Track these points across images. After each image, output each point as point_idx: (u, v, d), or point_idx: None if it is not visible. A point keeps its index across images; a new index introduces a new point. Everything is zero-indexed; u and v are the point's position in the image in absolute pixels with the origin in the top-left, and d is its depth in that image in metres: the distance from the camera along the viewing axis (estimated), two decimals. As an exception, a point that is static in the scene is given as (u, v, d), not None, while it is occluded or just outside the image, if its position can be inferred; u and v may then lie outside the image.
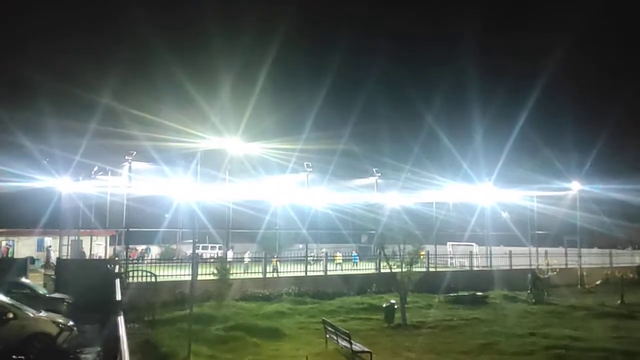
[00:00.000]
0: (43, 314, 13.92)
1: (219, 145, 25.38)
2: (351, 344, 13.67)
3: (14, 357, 11.12)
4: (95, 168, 31.71)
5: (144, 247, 44.20)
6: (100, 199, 37.26)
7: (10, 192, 38.31)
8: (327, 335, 15.80)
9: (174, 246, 46.45)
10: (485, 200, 40.71)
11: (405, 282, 20.08)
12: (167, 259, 35.54)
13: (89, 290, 20.07)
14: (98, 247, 37.05)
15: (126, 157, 27.01)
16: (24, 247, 39.71)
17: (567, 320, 20.96)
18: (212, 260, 36.73)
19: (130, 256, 37.60)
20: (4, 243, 39.95)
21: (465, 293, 25.88)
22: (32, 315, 13.36)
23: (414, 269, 20.43)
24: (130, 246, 43.24)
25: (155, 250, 44.02)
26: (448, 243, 44.20)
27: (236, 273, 26.25)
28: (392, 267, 20.42)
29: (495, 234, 41.21)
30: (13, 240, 40.31)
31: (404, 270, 20.16)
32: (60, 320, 13.66)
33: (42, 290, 18.82)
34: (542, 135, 56.00)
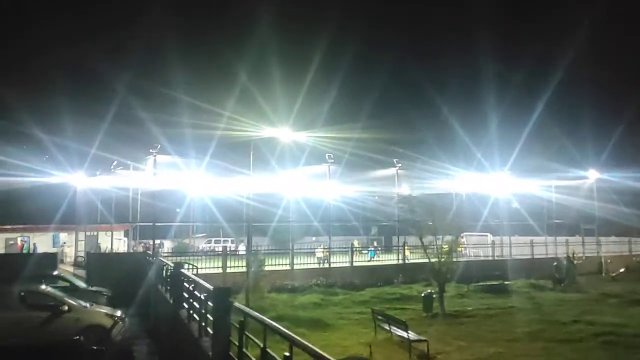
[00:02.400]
0: (94, 306, 13.76)
1: (267, 134, 24.88)
2: (408, 332, 13.54)
3: (94, 347, 10.93)
4: (115, 162, 31.44)
5: (157, 241, 44.01)
6: (116, 194, 37.07)
7: (25, 188, 38.08)
8: (377, 325, 15.67)
9: (187, 240, 46.31)
10: (500, 189, 40.59)
11: (443, 271, 20.00)
12: (181, 252, 35.36)
13: (121, 284, 20.03)
14: (118, 242, 36.85)
15: (150, 151, 26.74)
16: (39, 243, 39.43)
17: (604, 307, 20.87)
18: (228, 253, 36.61)
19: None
20: (19, 239, 39.72)
21: (495, 282, 25.82)
22: (85, 307, 13.20)
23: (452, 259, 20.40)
24: (144, 241, 43.22)
25: (167, 245, 43.90)
26: (462, 233, 44.04)
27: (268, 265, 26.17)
28: (430, 257, 20.36)
29: (509, 224, 41.13)
30: (28, 237, 40.07)
31: (441, 260, 20.07)
32: (112, 313, 13.50)
33: (81, 284, 18.64)
34: (559, 122, 55.39)
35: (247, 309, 7.04)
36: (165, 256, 28.59)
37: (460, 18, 75.72)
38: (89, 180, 36.69)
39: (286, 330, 5.66)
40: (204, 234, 51.57)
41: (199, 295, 8.97)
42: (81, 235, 38.02)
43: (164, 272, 15.10)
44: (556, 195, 41.22)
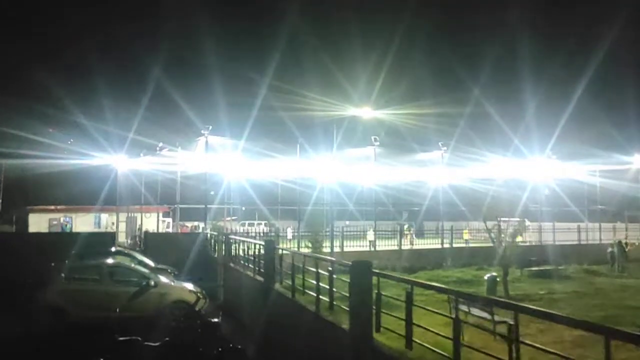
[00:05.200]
0: (178, 283, 13.85)
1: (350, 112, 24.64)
2: (492, 314, 13.33)
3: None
4: (160, 144, 31.64)
5: (195, 223, 44.44)
6: (157, 176, 37.39)
7: (70, 170, 38.61)
8: (456, 306, 15.47)
9: (221, 223, 46.61)
10: (538, 175, 39.89)
11: (507, 255, 19.76)
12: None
13: (179, 262, 20.19)
14: (161, 223, 37.26)
15: (202, 132, 26.73)
16: (81, 223, 40.01)
17: (669, 293, 20.41)
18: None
19: (181, 232, 37.92)
20: (62, 219, 40.33)
21: (548, 267, 25.47)
22: (170, 284, 13.29)
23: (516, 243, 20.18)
24: (180, 222, 43.60)
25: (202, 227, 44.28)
26: (498, 219, 43.45)
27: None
28: (495, 240, 20.16)
29: (549, 210, 40.49)
30: (71, 217, 40.66)
31: (506, 243, 19.85)
32: (195, 289, 13.57)
33: (149, 261, 18.81)
34: (600, 104, 53.55)
35: (416, 280, 6.93)
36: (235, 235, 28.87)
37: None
38: (130, 162, 37.01)
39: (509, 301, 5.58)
40: (235, 217, 51.92)
41: (315, 270, 8.89)
42: (122, 217, 38.54)
43: (240, 251, 15.09)
44: (600, 180, 40.44)
